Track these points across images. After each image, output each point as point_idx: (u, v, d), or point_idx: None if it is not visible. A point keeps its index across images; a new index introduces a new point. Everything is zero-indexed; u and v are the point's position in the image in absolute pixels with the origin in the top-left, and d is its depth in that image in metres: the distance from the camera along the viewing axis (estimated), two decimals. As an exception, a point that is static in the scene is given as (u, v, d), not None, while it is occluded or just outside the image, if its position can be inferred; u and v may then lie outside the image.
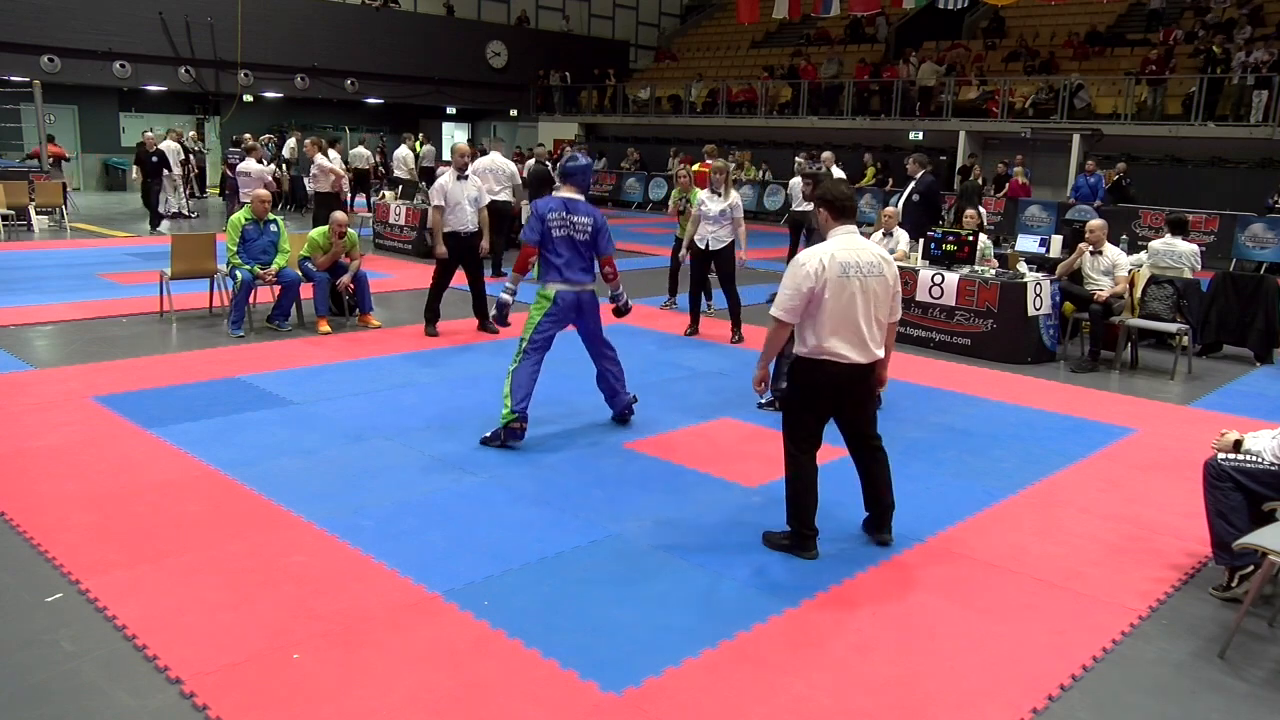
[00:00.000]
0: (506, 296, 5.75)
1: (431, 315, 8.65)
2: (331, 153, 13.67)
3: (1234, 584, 4.02)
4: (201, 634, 3.46)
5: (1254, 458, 3.97)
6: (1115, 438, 6.19)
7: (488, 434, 5.66)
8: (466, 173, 8.59)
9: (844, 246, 4.08)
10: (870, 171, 20.29)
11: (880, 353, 4.18)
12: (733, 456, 5.61)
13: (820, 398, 4.21)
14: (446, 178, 8.56)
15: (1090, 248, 8.27)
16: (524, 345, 5.65)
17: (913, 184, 10.84)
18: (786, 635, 3.61)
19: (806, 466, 4.25)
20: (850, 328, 4.06)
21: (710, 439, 5.93)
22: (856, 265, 4.05)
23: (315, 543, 4.25)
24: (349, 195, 15.54)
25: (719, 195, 8.52)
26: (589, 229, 5.66)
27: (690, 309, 8.99)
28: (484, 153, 12.70)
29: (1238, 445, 4.05)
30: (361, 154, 20.13)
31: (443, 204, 8.44)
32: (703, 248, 8.59)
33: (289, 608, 3.66)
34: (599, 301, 5.87)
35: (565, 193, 5.73)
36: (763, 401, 6.45)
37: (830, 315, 4.03)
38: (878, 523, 4.47)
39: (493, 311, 5.96)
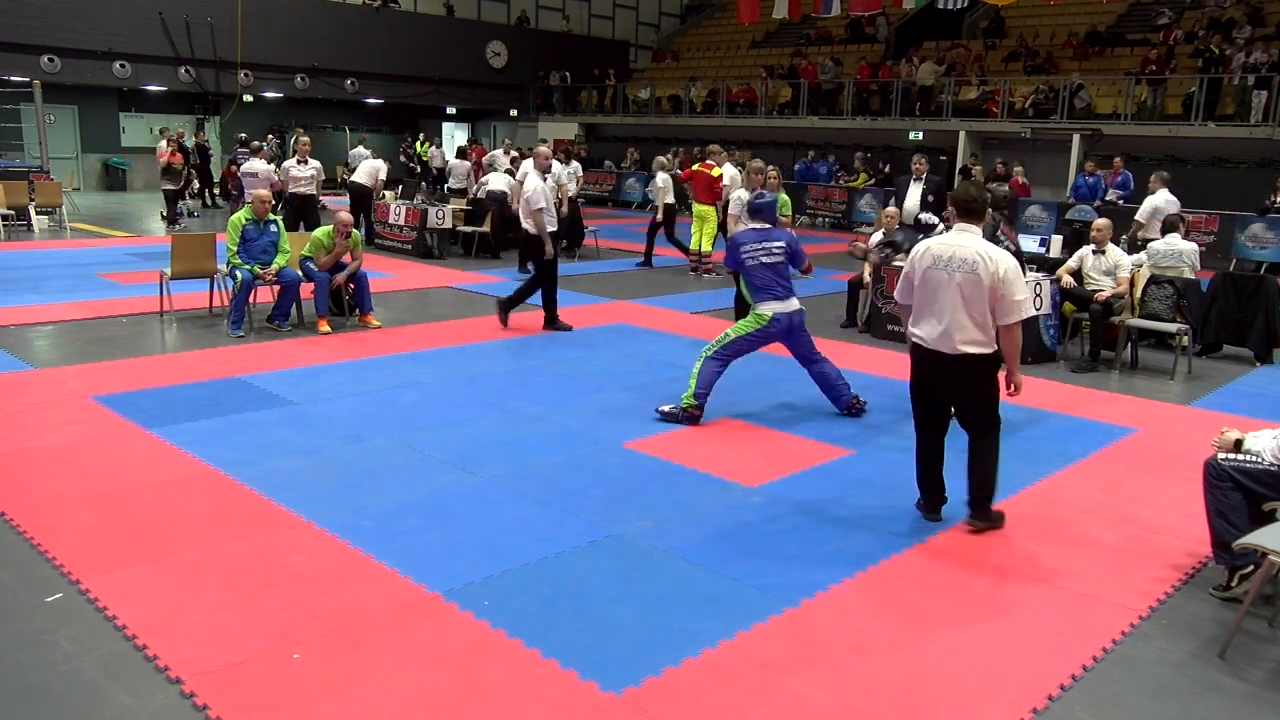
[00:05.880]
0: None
1: (512, 306, 8.92)
2: (362, 148, 13.50)
3: (1234, 584, 4.02)
4: (201, 634, 3.46)
5: (1254, 457, 3.97)
6: (1115, 438, 6.19)
7: (667, 407, 6.18)
8: (547, 176, 8.96)
9: (946, 241, 4.45)
10: (862, 177, 20.16)
11: (968, 349, 4.36)
12: (733, 456, 5.61)
13: (917, 375, 4.58)
14: (537, 179, 8.72)
15: (1094, 247, 8.29)
16: (723, 345, 6.18)
17: (922, 184, 10.80)
18: (786, 635, 3.61)
19: (920, 444, 4.69)
20: (933, 314, 4.41)
21: (710, 439, 5.93)
22: (948, 259, 4.37)
23: (315, 543, 4.25)
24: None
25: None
26: (782, 250, 6.17)
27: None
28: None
29: (1238, 445, 4.05)
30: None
31: (543, 205, 8.64)
32: None
33: (289, 608, 3.66)
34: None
35: (756, 224, 6.27)
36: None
37: (919, 300, 4.49)
38: (970, 506, 4.67)
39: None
